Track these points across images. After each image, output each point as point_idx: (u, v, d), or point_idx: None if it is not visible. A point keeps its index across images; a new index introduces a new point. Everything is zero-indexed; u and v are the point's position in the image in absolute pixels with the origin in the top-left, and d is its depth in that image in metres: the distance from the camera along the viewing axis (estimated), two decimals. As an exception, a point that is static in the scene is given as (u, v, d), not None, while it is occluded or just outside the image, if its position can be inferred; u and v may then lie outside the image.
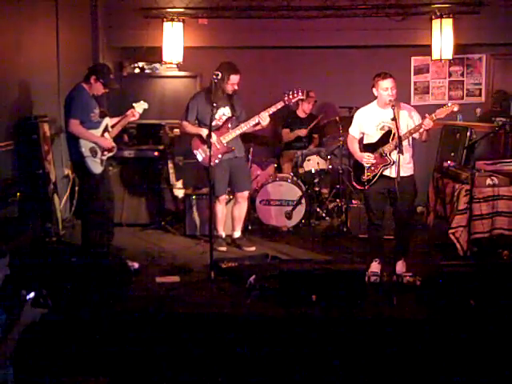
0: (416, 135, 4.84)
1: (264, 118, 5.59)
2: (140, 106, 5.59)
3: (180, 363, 4.01)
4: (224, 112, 5.74)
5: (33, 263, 4.41)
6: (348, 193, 6.64)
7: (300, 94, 5.61)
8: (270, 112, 5.60)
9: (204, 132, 5.59)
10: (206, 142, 5.33)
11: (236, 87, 5.67)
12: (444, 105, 4.80)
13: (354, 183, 5.19)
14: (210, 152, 5.17)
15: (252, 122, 5.64)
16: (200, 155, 5.72)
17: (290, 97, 5.60)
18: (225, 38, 7.58)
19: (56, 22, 6.45)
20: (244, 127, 5.68)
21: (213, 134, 5.55)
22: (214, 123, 5.67)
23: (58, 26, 6.47)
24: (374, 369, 3.94)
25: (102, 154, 5.32)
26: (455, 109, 4.76)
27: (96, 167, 5.26)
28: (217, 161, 5.68)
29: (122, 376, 3.95)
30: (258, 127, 5.74)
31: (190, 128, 5.71)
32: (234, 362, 3.98)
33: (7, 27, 5.50)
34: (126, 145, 6.89)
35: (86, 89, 5.24)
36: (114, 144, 5.46)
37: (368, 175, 4.98)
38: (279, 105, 5.62)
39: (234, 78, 5.60)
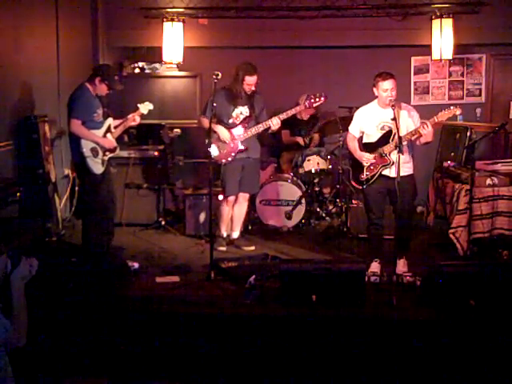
0: (413, 137, 4.84)
1: (275, 124, 5.57)
2: (145, 107, 5.60)
3: (180, 363, 4.02)
4: (241, 111, 5.72)
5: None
6: (348, 193, 6.64)
7: (322, 98, 5.56)
8: (284, 117, 5.59)
9: (219, 130, 5.61)
10: (221, 139, 5.60)
11: (253, 88, 5.64)
12: (446, 107, 4.79)
13: (353, 182, 5.21)
14: (211, 149, 5.29)
15: (265, 125, 5.61)
16: (215, 151, 5.68)
17: (312, 101, 5.57)
18: (225, 38, 7.58)
19: (56, 22, 6.45)
20: (260, 128, 5.64)
21: (226, 132, 5.62)
22: (230, 121, 5.69)
23: (57, 26, 6.47)
24: (374, 369, 3.94)
25: (104, 155, 5.32)
26: (457, 112, 4.75)
27: (97, 167, 5.26)
28: (230, 159, 5.68)
29: (122, 376, 3.95)
30: (270, 130, 5.72)
31: (207, 124, 5.60)
32: (234, 361, 3.99)
33: (7, 27, 5.50)
34: (126, 145, 6.89)
35: (90, 89, 5.25)
36: (116, 144, 5.47)
37: (367, 175, 4.99)
38: (296, 110, 5.62)
39: (250, 80, 5.57)
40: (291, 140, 7.32)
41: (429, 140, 4.82)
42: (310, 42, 7.63)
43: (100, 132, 5.32)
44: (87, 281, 4.31)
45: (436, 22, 7.24)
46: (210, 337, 4.07)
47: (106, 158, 5.36)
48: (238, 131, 5.69)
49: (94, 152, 5.22)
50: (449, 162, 6.07)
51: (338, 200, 7.01)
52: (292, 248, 6.00)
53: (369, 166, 4.98)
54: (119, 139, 5.81)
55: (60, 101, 6.25)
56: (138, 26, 7.54)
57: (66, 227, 6.39)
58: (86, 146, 5.16)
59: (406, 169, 4.87)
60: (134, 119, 5.55)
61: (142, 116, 5.70)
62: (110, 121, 5.45)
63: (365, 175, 5.00)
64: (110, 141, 5.40)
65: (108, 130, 5.42)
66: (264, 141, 7.14)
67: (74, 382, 3.92)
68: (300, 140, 7.19)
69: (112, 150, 5.42)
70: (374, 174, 4.95)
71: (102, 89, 5.28)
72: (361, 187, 5.10)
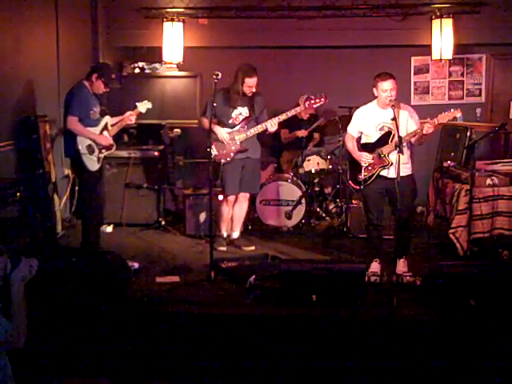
0: (413, 139, 4.85)
1: (272, 125, 5.57)
2: (143, 106, 5.61)
3: (180, 363, 4.01)
4: (241, 112, 5.72)
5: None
6: (348, 193, 6.64)
7: (322, 99, 5.55)
8: (283, 118, 5.59)
9: (218, 130, 5.61)
10: (220, 139, 5.60)
11: (253, 90, 5.63)
12: (447, 109, 4.79)
13: (351, 182, 5.20)
14: (211, 149, 5.28)
15: (263, 127, 5.61)
16: (214, 151, 5.66)
17: (312, 102, 5.56)
18: (225, 38, 7.58)
19: (56, 22, 6.45)
20: (258, 130, 5.64)
21: (225, 132, 5.62)
22: (230, 122, 5.69)
23: (58, 26, 6.47)
24: (374, 369, 3.94)
25: (100, 152, 5.33)
26: (458, 115, 4.75)
27: (92, 165, 5.27)
28: (228, 159, 5.69)
29: (122, 376, 3.95)
30: (268, 132, 5.72)
31: (207, 124, 5.51)
32: (234, 361, 3.98)
33: (7, 27, 5.50)
34: (126, 145, 6.89)
35: (87, 86, 5.28)
36: (112, 142, 5.48)
37: (365, 175, 4.99)
38: (296, 111, 5.60)
39: (249, 81, 5.56)
40: (290, 137, 7.31)
41: (422, 141, 4.86)
42: (310, 42, 7.63)
43: (97, 130, 5.34)
44: (87, 281, 4.30)
45: (436, 22, 7.24)
46: (210, 337, 4.07)
47: (101, 156, 5.37)
48: (237, 132, 5.69)
49: (90, 149, 5.24)
50: (449, 162, 6.06)
51: (338, 200, 7.02)
52: (292, 248, 6.00)
53: (367, 167, 4.97)
54: (119, 139, 5.82)
55: (60, 101, 6.24)
56: (138, 26, 7.54)
57: (66, 227, 6.39)
58: (82, 144, 5.18)
59: (405, 169, 4.87)
60: (129, 119, 5.57)
61: (141, 115, 5.71)
62: (107, 119, 5.47)
63: (362, 175, 4.99)
64: (107, 138, 5.41)
65: (105, 127, 5.43)
66: (264, 141, 7.15)
67: (73, 382, 3.92)
68: (299, 133, 7.16)
69: (108, 148, 5.43)
70: (372, 175, 4.95)
71: (99, 86, 5.30)
72: (358, 187, 5.10)
